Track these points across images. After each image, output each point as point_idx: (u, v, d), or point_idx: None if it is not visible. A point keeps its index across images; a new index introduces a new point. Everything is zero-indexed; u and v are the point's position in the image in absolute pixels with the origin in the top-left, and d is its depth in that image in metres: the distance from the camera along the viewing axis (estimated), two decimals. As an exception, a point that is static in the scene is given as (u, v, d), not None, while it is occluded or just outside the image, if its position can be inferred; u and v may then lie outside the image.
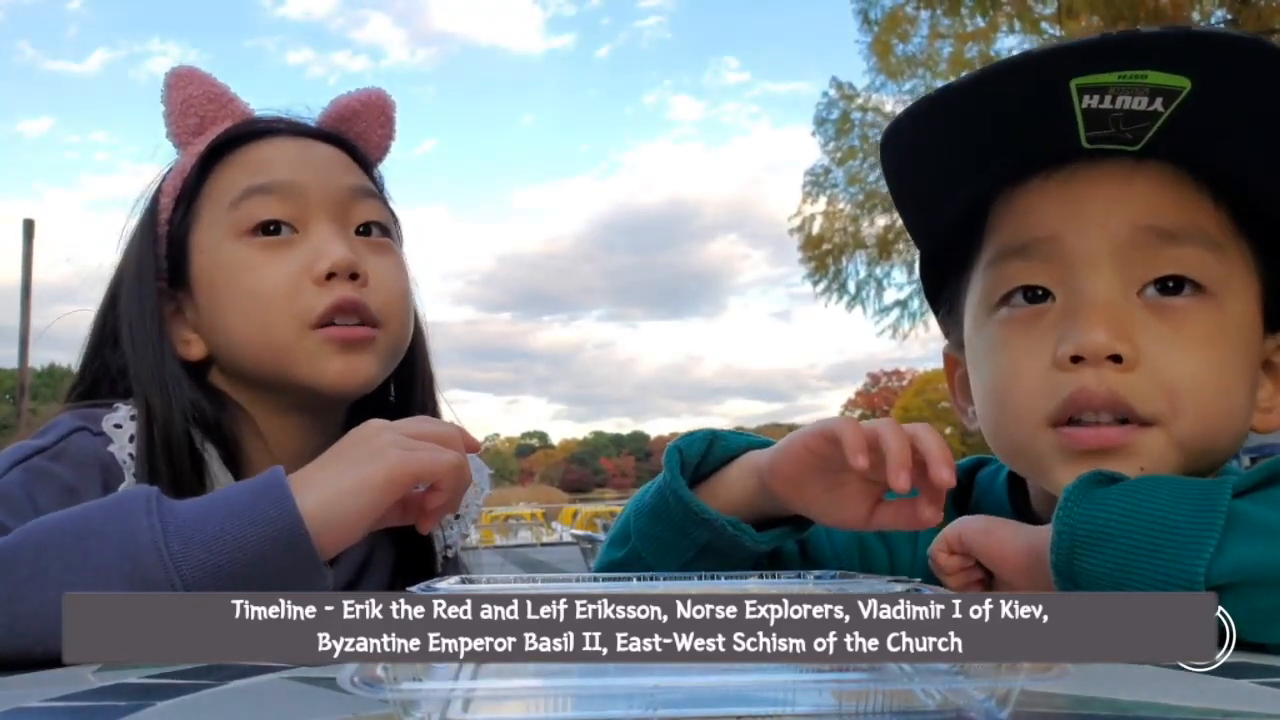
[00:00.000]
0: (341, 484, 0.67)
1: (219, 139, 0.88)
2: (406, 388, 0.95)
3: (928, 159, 0.76)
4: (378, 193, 0.92)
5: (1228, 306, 0.70)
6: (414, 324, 0.94)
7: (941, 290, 0.85)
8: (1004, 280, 0.75)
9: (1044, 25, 9.83)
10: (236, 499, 0.65)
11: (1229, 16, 8.74)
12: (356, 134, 0.94)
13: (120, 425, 0.81)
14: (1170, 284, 0.70)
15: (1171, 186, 0.70)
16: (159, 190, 0.90)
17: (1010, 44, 10.69)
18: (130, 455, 0.80)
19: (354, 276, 0.84)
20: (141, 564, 0.60)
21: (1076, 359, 0.68)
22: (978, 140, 0.72)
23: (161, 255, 0.88)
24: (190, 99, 0.89)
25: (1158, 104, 0.66)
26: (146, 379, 0.83)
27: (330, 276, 0.83)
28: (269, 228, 0.84)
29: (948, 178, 0.77)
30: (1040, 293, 0.73)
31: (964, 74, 0.71)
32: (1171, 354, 0.68)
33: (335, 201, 0.87)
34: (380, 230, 0.90)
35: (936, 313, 0.88)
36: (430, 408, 0.97)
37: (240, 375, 0.86)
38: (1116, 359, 0.68)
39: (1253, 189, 0.71)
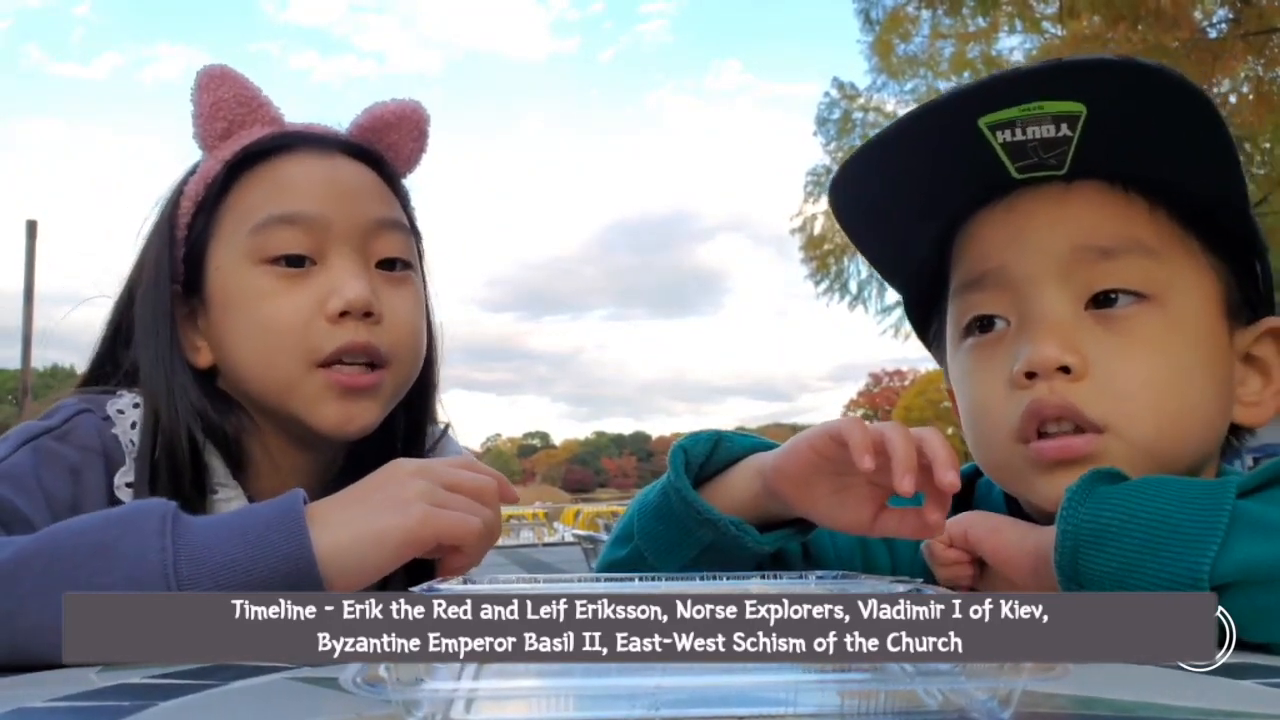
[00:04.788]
0: (359, 530, 0.65)
1: (245, 150, 0.86)
2: (414, 399, 0.94)
3: (878, 210, 0.80)
4: (403, 222, 0.90)
5: (1174, 308, 0.72)
6: (427, 338, 0.93)
7: (928, 324, 0.88)
8: (965, 311, 0.78)
9: (1045, 25, 9.81)
10: (252, 525, 0.64)
11: (1231, 16, 8.72)
12: (388, 145, 0.92)
13: (123, 411, 0.81)
14: (1114, 295, 0.72)
15: (1103, 203, 0.73)
16: (180, 193, 0.88)
17: (1012, 44, 10.67)
18: (132, 441, 0.80)
19: (368, 314, 0.83)
20: (146, 590, 0.60)
21: (1031, 375, 0.71)
22: (920, 187, 0.76)
23: (179, 259, 0.87)
24: (220, 101, 0.87)
25: (1064, 129, 0.69)
26: (154, 381, 0.83)
27: (344, 314, 0.82)
28: (289, 260, 0.83)
29: (903, 225, 0.81)
30: (998, 319, 0.76)
31: (883, 127, 0.75)
32: (1119, 361, 0.70)
33: (359, 234, 0.85)
34: (402, 264, 0.89)
35: (928, 347, 0.90)
36: (429, 414, 0.97)
37: (242, 396, 0.86)
38: (1066, 370, 0.70)
39: (1185, 193, 0.73)
